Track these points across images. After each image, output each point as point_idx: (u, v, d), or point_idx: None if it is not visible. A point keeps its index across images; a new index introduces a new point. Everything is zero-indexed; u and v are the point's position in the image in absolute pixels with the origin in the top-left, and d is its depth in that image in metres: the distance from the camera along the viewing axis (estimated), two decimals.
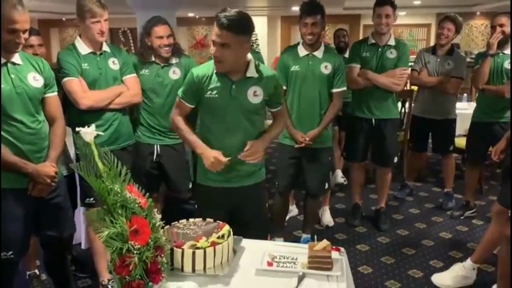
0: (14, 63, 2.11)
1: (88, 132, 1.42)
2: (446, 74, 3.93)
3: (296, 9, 9.81)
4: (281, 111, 2.37)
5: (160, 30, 2.88)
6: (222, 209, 2.23)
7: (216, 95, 2.15)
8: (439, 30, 4.01)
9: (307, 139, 3.03)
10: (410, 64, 3.77)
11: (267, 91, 2.21)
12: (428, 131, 4.24)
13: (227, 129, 2.19)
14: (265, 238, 2.48)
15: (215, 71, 2.15)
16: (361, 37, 12.05)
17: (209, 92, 2.15)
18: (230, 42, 2.02)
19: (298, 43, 3.17)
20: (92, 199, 2.67)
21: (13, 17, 1.97)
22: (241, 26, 2.03)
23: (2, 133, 2.07)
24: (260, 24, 12.65)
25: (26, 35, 2.07)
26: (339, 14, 10.50)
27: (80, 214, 3.19)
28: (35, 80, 2.16)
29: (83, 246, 3.42)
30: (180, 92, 2.26)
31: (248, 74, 2.16)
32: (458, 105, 4.38)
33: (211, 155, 2.14)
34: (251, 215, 2.33)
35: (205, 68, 2.19)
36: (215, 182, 2.27)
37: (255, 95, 2.18)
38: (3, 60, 2.07)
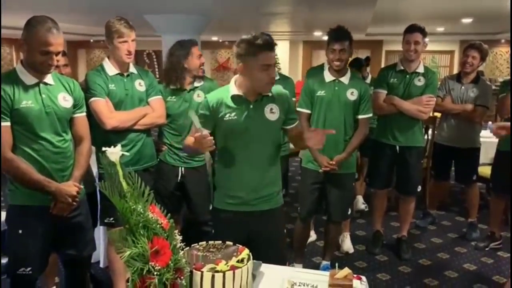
0: (46, 83, 2.16)
1: (114, 152, 1.44)
2: (470, 102, 3.88)
3: (317, 33, 9.91)
4: (299, 125, 2.39)
5: (197, 50, 3.00)
6: (239, 235, 2.20)
7: (235, 117, 2.17)
8: (464, 58, 3.97)
9: (332, 163, 3.00)
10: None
11: (283, 108, 2.25)
12: (451, 159, 4.17)
13: (247, 149, 2.19)
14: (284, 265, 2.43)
15: (232, 94, 2.18)
16: (383, 63, 12.07)
17: (227, 115, 2.17)
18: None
19: (323, 65, 3.17)
20: (112, 219, 2.69)
21: (48, 40, 2.03)
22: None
23: (29, 151, 2.12)
24: (282, 48, 12.79)
25: (59, 57, 2.13)
26: (361, 40, 10.54)
27: (99, 233, 3.21)
28: (65, 101, 2.21)
29: (101, 265, 3.43)
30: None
31: (263, 93, 2.22)
32: (483, 133, 4.31)
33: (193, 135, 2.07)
34: (269, 242, 2.29)
35: (220, 93, 2.23)
36: (234, 206, 2.26)
37: (271, 112, 2.22)
38: (35, 80, 2.13)
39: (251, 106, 2.18)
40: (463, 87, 3.96)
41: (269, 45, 2.08)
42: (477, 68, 3.96)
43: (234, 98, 2.18)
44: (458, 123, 3.99)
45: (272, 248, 2.27)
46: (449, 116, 4.06)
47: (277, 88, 2.29)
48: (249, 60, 2.08)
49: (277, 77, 3.34)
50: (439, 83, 4.13)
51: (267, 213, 2.27)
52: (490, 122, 5.50)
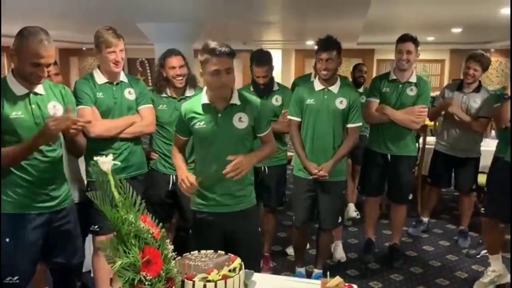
0: (36, 93, 2.15)
1: (106, 162, 1.43)
2: (473, 113, 3.87)
3: (310, 42, 9.97)
4: (268, 134, 2.44)
5: (173, 61, 2.97)
6: (216, 235, 2.33)
7: (204, 125, 2.28)
8: (466, 69, 3.96)
9: (321, 171, 3.02)
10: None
11: (251, 116, 2.32)
12: (451, 167, 4.17)
13: (217, 156, 2.28)
14: (258, 266, 2.48)
15: (202, 102, 2.29)
16: (374, 71, 12.15)
17: (198, 124, 2.29)
18: (231, 67, 2.20)
19: (311, 74, 3.21)
20: (96, 226, 2.69)
21: (39, 52, 2.01)
22: (233, 52, 2.21)
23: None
24: (274, 57, 12.86)
25: (50, 68, 2.12)
26: (353, 49, 10.62)
27: (90, 241, 3.18)
28: (55, 110, 2.19)
29: (92, 274, 3.40)
30: (175, 125, 2.44)
31: (232, 102, 2.29)
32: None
33: (183, 175, 2.28)
34: (244, 240, 2.36)
35: (193, 101, 2.37)
36: (211, 208, 2.35)
37: (240, 121, 2.30)
38: (25, 91, 2.12)
39: (220, 115, 2.28)
40: (465, 97, 3.96)
41: (216, 52, 2.14)
42: (479, 78, 3.98)
43: (204, 106, 2.29)
44: (458, 132, 3.97)
45: (246, 246, 2.33)
46: (449, 125, 4.04)
47: (249, 97, 2.38)
48: (202, 66, 2.20)
49: (276, 88, 3.39)
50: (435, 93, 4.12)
51: (241, 213, 2.38)
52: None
